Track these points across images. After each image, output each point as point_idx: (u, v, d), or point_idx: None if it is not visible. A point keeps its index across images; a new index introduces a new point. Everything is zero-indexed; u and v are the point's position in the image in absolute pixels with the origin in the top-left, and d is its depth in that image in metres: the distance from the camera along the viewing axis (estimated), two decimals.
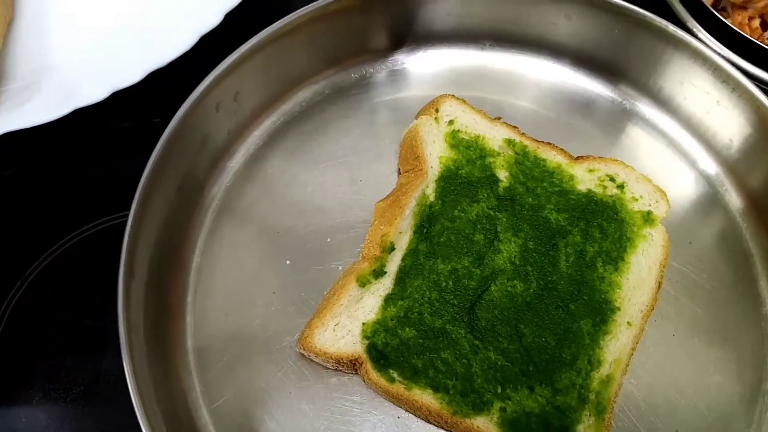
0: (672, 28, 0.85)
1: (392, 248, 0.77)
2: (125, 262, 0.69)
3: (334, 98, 0.92)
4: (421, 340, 0.73)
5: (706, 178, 0.89)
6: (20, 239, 0.86)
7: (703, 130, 0.89)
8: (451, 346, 0.72)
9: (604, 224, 0.80)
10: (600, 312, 0.75)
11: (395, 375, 0.71)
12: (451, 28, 0.94)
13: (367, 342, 0.73)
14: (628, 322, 0.75)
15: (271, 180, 0.86)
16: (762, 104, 0.82)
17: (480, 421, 0.70)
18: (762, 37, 0.96)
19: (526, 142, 0.85)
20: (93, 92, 0.78)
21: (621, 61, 0.91)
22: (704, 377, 0.77)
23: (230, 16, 0.84)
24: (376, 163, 0.87)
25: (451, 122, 0.85)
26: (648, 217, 0.81)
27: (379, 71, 0.94)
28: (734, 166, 0.88)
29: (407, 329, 0.73)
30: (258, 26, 0.83)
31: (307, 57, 0.89)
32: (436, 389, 0.71)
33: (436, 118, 0.86)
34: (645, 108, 0.92)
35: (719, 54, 0.85)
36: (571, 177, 0.83)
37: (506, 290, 0.75)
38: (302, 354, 0.75)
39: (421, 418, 0.73)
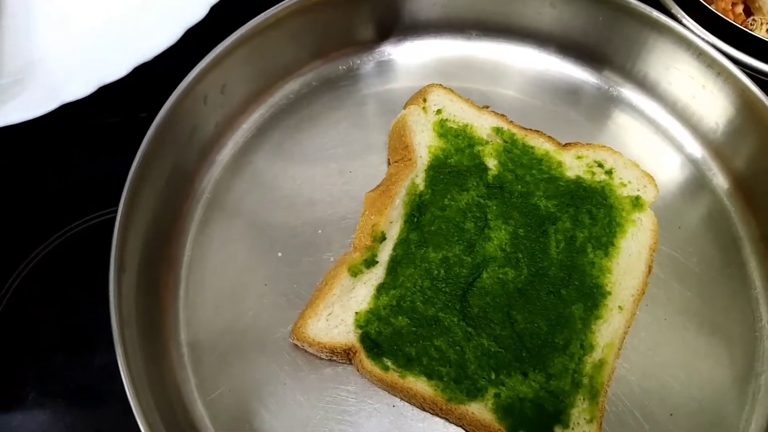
0: (656, 14, 0.86)
1: (383, 238, 0.78)
2: (115, 256, 0.69)
3: (322, 90, 0.92)
4: (414, 329, 0.73)
5: (693, 162, 0.90)
6: (9, 237, 0.85)
7: (689, 115, 0.90)
8: (444, 334, 0.73)
9: (594, 210, 0.80)
10: (591, 297, 0.76)
11: (389, 363, 0.72)
12: (437, 18, 0.94)
13: (360, 331, 0.73)
14: (620, 307, 0.76)
15: (260, 172, 0.86)
16: (747, 88, 0.82)
17: (474, 407, 0.70)
18: (746, 23, 0.96)
19: (514, 130, 0.85)
20: (80, 88, 0.77)
21: (606, 48, 0.92)
22: (696, 360, 0.78)
23: (216, 10, 0.83)
24: (365, 154, 0.87)
25: (439, 111, 0.86)
26: (637, 202, 0.81)
27: (367, 63, 0.94)
28: (720, 150, 0.88)
29: (400, 318, 0.73)
30: (244, 19, 0.83)
31: (294, 49, 0.89)
32: (430, 376, 0.71)
33: (424, 108, 0.86)
34: (631, 94, 0.93)
35: (704, 39, 0.86)
36: (560, 164, 0.83)
37: (498, 277, 0.76)
38: (296, 345, 0.75)
39: (416, 406, 0.73)
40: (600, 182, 0.82)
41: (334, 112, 0.90)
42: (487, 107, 0.88)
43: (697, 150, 0.90)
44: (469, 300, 0.74)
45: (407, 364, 0.72)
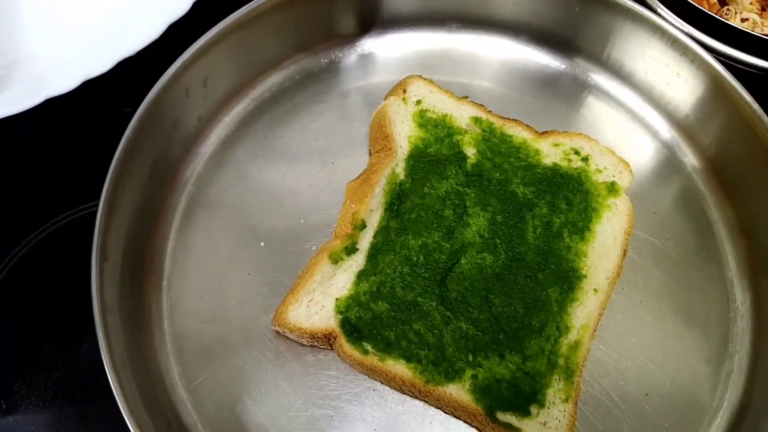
0: (630, 3, 0.87)
1: (363, 226, 0.79)
2: (97, 244, 0.71)
3: (304, 83, 0.93)
4: (393, 313, 0.74)
5: (668, 149, 0.91)
6: None
7: (664, 103, 0.92)
8: (422, 318, 0.74)
9: (570, 196, 0.81)
10: (567, 280, 0.77)
11: (369, 347, 0.73)
12: (417, 11, 0.96)
13: (340, 317, 0.74)
14: (595, 289, 0.77)
15: (243, 164, 0.87)
16: (720, 75, 0.84)
17: (452, 388, 0.72)
18: (720, 12, 0.98)
19: (493, 120, 0.87)
20: (64, 82, 0.78)
21: (582, 37, 0.93)
22: (671, 341, 0.79)
23: (199, 5, 0.85)
24: (347, 146, 0.89)
25: (418, 102, 0.87)
26: (612, 188, 0.83)
27: (348, 56, 0.96)
28: (694, 135, 0.90)
29: (380, 303, 0.75)
30: (227, 14, 0.84)
31: (276, 42, 0.90)
32: (408, 359, 0.73)
33: (404, 99, 0.87)
34: (607, 82, 0.95)
35: (677, 28, 0.87)
36: (537, 152, 0.85)
37: (476, 262, 0.77)
38: (278, 332, 0.76)
39: (396, 389, 0.75)
40: (576, 169, 0.83)
41: (316, 104, 0.92)
42: (466, 97, 0.89)
43: (672, 137, 0.92)
44: (448, 285, 0.76)
45: (386, 347, 0.73)
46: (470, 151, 0.84)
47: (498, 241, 0.78)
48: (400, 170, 0.82)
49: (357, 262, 0.77)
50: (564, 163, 0.84)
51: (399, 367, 0.72)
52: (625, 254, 0.81)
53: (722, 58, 0.87)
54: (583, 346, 0.75)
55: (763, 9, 0.98)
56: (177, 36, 0.82)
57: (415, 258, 0.77)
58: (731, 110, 0.84)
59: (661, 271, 0.83)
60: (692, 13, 0.90)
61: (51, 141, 0.92)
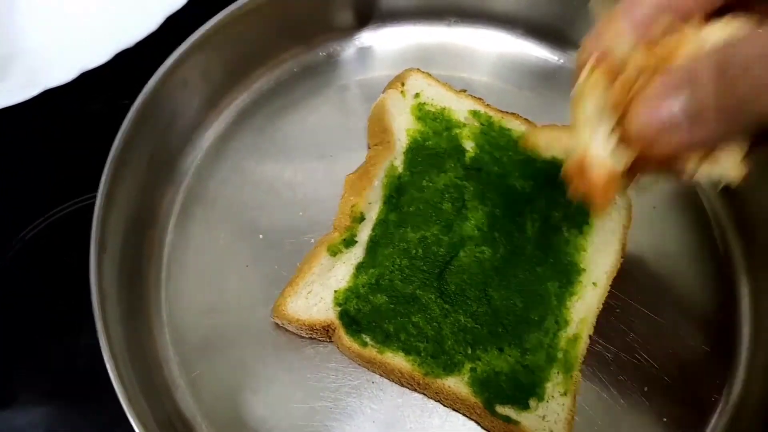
0: None
1: (362, 218, 0.79)
2: (96, 234, 0.70)
3: (303, 76, 0.93)
4: (392, 306, 0.74)
5: None
6: None
7: None
8: (421, 311, 0.74)
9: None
10: (566, 274, 0.77)
11: (368, 339, 0.73)
12: (415, 5, 0.95)
13: (339, 308, 0.74)
14: (594, 283, 0.77)
15: (241, 157, 0.87)
16: None
17: (451, 381, 0.72)
18: None
19: (491, 113, 0.87)
20: (62, 73, 0.78)
21: (582, 31, 0.91)
22: (670, 337, 0.79)
23: None
24: (346, 139, 0.88)
25: (417, 95, 0.87)
26: None
27: (346, 49, 0.96)
28: None
29: (378, 295, 0.75)
30: (225, 6, 0.84)
31: (274, 35, 0.90)
32: (407, 352, 0.73)
33: (402, 92, 0.87)
34: None
35: None
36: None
37: (474, 256, 0.77)
38: (277, 324, 0.76)
39: (395, 381, 0.75)
40: None
41: (314, 97, 0.92)
42: (465, 91, 0.89)
43: None
44: (447, 278, 0.76)
45: (385, 340, 0.73)
46: (469, 145, 0.84)
47: (497, 234, 0.78)
48: (399, 163, 0.82)
49: (356, 254, 0.77)
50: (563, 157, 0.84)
51: (398, 360, 0.72)
52: (624, 249, 0.81)
53: None
54: (581, 340, 0.75)
55: None
56: (174, 28, 0.82)
57: (414, 251, 0.77)
58: None
59: (660, 265, 0.83)
60: None
61: (48, 133, 0.92)
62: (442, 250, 0.77)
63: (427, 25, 0.97)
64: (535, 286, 0.76)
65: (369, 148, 0.87)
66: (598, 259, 0.79)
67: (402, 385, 0.75)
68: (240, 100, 0.90)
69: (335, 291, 0.75)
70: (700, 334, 0.80)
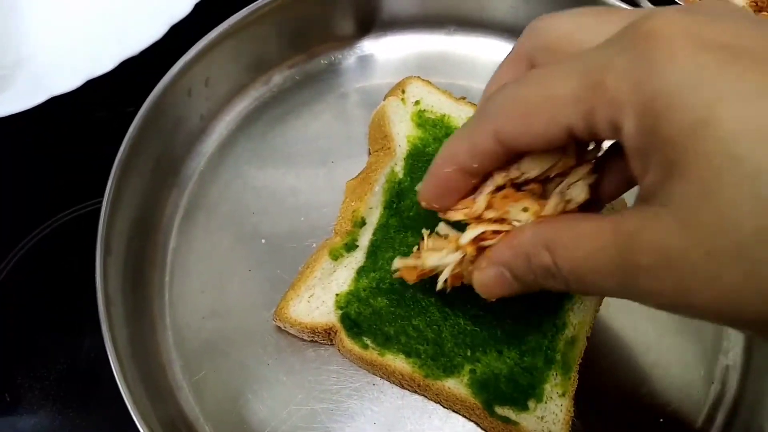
0: (623, 7, 0.88)
1: (363, 223, 0.80)
2: (102, 238, 0.71)
3: (304, 84, 0.94)
4: (392, 309, 0.75)
5: None
6: None
7: None
8: (421, 314, 0.75)
9: None
10: None
11: (368, 342, 0.74)
12: (416, 13, 0.97)
13: (340, 312, 0.75)
14: None
15: (244, 163, 0.88)
16: None
17: (451, 382, 0.73)
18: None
19: None
20: (67, 81, 0.79)
21: None
22: (667, 338, 0.80)
23: (200, 6, 0.86)
24: (347, 145, 0.90)
25: (417, 102, 0.88)
26: None
27: (347, 57, 0.97)
28: None
29: (379, 299, 0.75)
30: (228, 15, 0.86)
31: (276, 44, 0.92)
32: (408, 354, 0.73)
33: (402, 99, 0.89)
34: None
35: None
36: None
37: None
38: (279, 327, 0.77)
39: (395, 383, 0.75)
40: None
41: (316, 104, 0.93)
42: (464, 98, 0.90)
43: None
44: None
45: (386, 342, 0.74)
46: None
47: None
48: (399, 169, 0.84)
49: (357, 258, 0.78)
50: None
51: (398, 362, 0.73)
52: None
53: None
54: (579, 342, 0.76)
55: (757, 11, 1.00)
56: (179, 37, 0.84)
57: None
58: None
59: None
60: None
61: (53, 140, 0.93)
62: None
63: (427, 34, 0.99)
64: None
65: (370, 154, 0.88)
66: None
67: (402, 387, 0.75)
68: (242, 106, 0.92)
69: (337, 294, 0.76)
70: (696, 336, 0.80)
